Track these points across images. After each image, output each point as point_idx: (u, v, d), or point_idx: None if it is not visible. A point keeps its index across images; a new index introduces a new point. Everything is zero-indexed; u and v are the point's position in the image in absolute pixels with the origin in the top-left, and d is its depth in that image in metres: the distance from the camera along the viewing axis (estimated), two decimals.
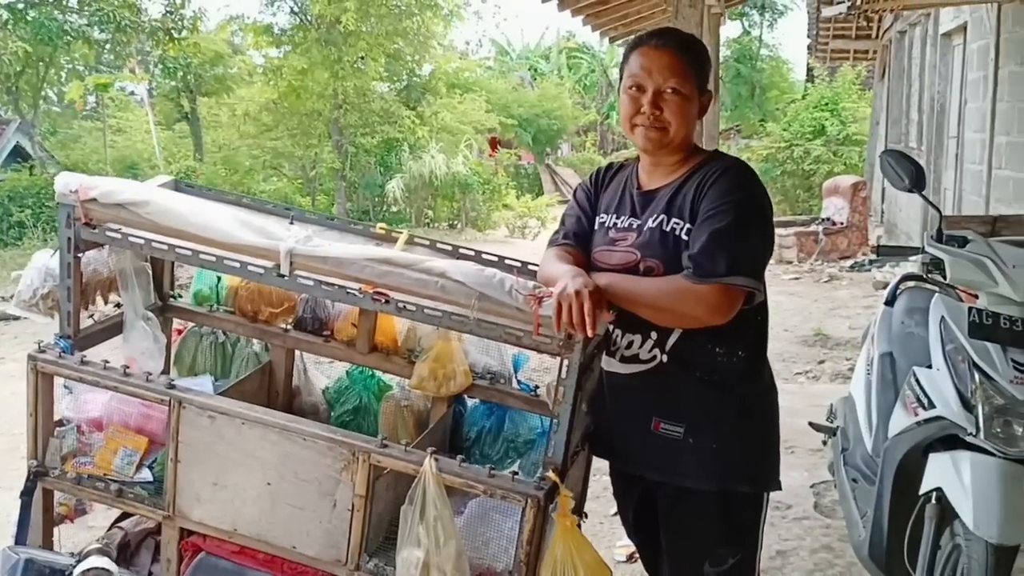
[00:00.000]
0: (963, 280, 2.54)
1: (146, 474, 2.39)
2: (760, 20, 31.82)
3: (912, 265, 3.32)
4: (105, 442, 2.41)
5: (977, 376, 2.36)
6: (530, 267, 2.42)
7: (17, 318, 7.58)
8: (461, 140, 20.70)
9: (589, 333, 1.85)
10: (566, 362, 1.98)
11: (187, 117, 23.13)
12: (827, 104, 17.26)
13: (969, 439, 2.36)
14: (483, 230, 19.04)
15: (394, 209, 19.77)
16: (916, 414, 2.57)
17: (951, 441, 2.41)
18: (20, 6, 17.38)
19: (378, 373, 2.83)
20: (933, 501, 2.41)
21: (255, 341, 2.87)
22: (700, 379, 2.00)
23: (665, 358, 2.01)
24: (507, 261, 2.50)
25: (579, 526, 2.10)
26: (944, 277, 2.57)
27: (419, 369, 2.58)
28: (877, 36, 15.16)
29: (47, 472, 2.40)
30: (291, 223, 2.57)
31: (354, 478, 2.12)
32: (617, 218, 2.09)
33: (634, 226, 2.05)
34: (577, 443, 2.17)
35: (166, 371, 2.70)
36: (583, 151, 30.88)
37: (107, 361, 2.35)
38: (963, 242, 2.59)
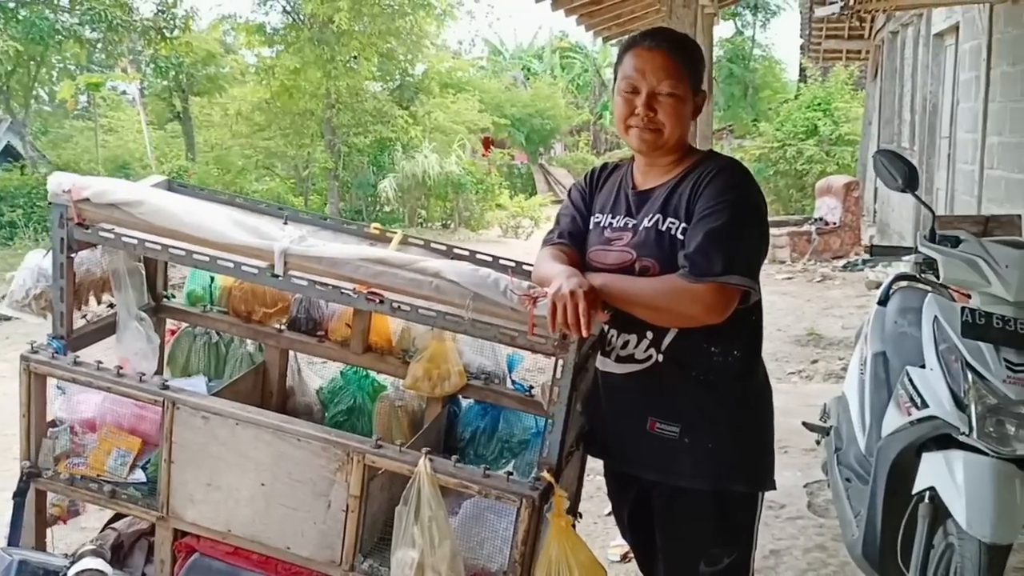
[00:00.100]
0: (956, 280, 2.55)
1: (140, 475, 2.38)
2: (753, 20, 31.92)
3: (905, 265, 3.33)
4: (98, 443, 2.40)
5: (970, 376, 2.37)
6: (525, 267, 2.41)
7: (9, 318, 7.52)
8: (454, 140, 20.64)
9: (584, 333, 1.85)
10: (561, 362, 1.98)
11: (179, 117, 23.04)
12: (820, 104, 17.31)
13: (962, 438, 2.36)
14: (476, 230, 18.99)
15: (387, 209, 19.72)
16: (909, 414, 2.57)
17: (944, 440, 2.42)
18: (11, 5, 17.32)
19: (372, 373, 2.82)
20: (926, 500, 2.42)
21: (249, 341, 2.86)
22: (696, 379, 2.01)
23: (661, 358, 2.01)
24: (501, 261, 2.50)
25: (574, 526, 2.09)
26: (937, 277, 2.58)
27: (413, 369, 2.57)
28: (870, 36, 15.20)
29: (40, 473, 2.39)
30: (285, 223, 2.56)
31: (348, 479, 2.12)
32: (612, 218, 2.09)
33: (630, 226, 2.05)
34: (572, 443, 2.17)
35: (159, 372, 2.69)
36: (576, 151, 30.81)
37: (100, 362, 2.34)
38: (956, 242, 2.59)
